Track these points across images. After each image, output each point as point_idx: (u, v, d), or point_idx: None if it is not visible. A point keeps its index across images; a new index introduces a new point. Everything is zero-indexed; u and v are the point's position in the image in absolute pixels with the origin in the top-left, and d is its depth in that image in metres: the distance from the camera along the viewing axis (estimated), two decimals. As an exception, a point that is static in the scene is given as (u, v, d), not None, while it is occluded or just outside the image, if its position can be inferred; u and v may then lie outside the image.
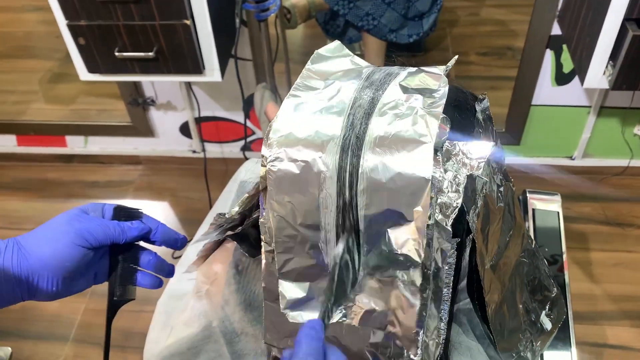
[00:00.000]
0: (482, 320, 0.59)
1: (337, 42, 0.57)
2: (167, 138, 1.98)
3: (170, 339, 0.67)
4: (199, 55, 1.35)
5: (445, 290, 0.47)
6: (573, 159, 1.87)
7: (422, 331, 0.46)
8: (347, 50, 0.57)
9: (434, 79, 0.49)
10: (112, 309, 0.53)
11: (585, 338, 1.52)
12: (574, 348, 0.85)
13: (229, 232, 0.68)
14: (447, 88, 0.47)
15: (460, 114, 0.49)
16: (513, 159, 1.89)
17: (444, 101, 0.45)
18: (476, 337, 0.61)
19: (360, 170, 0.44)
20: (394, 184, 0.43)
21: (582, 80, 1.34)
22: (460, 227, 0.48)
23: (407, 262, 0.45)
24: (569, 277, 1.68)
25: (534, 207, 1.02)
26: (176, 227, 1.89)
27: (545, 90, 1.68)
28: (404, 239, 0.44)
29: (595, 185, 1.87)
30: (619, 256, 1.69)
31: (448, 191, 0.44)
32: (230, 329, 0.65)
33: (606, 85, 1.30)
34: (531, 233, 0.99)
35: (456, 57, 0.54)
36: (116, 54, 1.33)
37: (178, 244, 0.57)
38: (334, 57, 0.55)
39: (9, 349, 1.28)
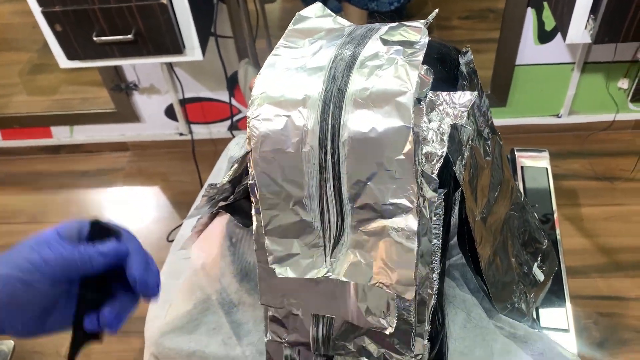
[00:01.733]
0: (475, 273, 0.59)
1: (318, 4, 0.57)
2: (153, 122, 1.97)
3: (169, 314, 0.67)
4: (178, 34, 1.33)
5: (435, 241, 0.47)
6: (560, 117, 1.88)
7: (417, 279, 0.47)
8: (329, 11, 0.57)
9: (415, 31, 0.49)
10: (73, 349, 0.47)
11: (580, 292, 1.55)
12: (568, 302, 0.87)
13: (222, 203, 0.68)
14: (427, 39, 0.47)
15: (444, 66, 0.49)
16: (500, 120, 1.89)
17: (423, 51, 0.45)
18: (470, 290, 0.61)
19: (342, 122, 0.44)
20: (375, 133, 0.43)
21: (564, 36, 1.34)
22: (448, 179, 0.49)
23: (397, 210, 0.45)
24: (561, 234, 1.70)
25: (522, 164, 1.02)
26: (169, 211, 1.89)
27: (529, 50, 1.68)
28: (390, 188, 0.44)
29: (583, 142, 1.89)
30: (609, 210, 1.72)
31: (433, 141, 0.44)
32: (227, 300, 0.65)
33: (589, 40, 1.30)
34: (521, 188, 1.00)
35: (436, 10, 0.54)
36: (94, 38, 1.32)
37: (149, 291, 0.48)
38: (316, 17, 0.55)
39: (12, 342, 1.28)
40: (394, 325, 0.49)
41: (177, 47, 1.35)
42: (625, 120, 1.86)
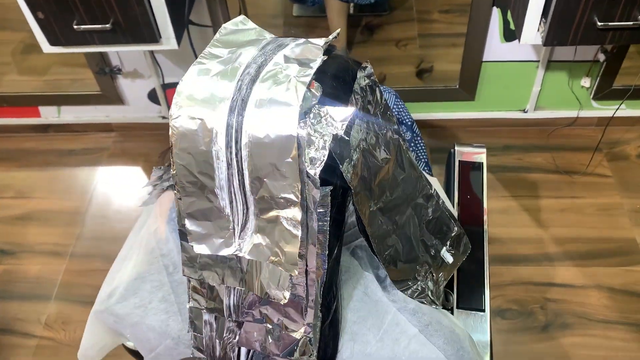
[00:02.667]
0: (374, 253, 0.68)
1: (242, 17, 0.65)
2: (137, 105, 2.05)
3: (122, 271, 0.77)
4: (154, 24, 1.41)
5: (323, 226, 0.56)
6: (525, 112, 1.96)
7: (303, 262, 0.56)
8: (252, 24, 0.65)
9: (315, 49, 0.57)
10: None
11: (532, 278, 1.64)
12: (487, 286, 0.96)
13: (167, 184, 0.78)
14: (321, 59, 0.55)
15: (337, 82, 0.57)
16: (468, 113, 1.97)
17: (313, 70, 0.54)
18: (373, 269, 0.70)
19: (243, 128, 0.53)
20: (268, 139, 0.52)
21: (519, 37, 1.41)
22: (336, 178, 0.57)
23: (287, 203, 0.54)
24: (519, 224, 1.80)
25: (459, 158, 1.11)
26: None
27: (495, 47, 1.75)
28: (281, 185, 0.53)
29: (547, 136, 1.97)
30: (566, 202, 1.80)
31: (317, 147, 0.53)
32: (171, 262, 0.74)
33: (540, 42, 1.37)
34: (456, 184, 1.08)
35: (338, 30, 0.62)
36: (75, 26, 1.39)
37: None
38: (240, 30, 0.63)
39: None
40: (287, 297, 0.58)
41: (153, 36, 1.43)
42: (588, 117, 1.94)
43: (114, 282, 0.75)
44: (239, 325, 0.64)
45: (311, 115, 0.52)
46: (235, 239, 0.59)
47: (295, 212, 0.54)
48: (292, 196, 0.54)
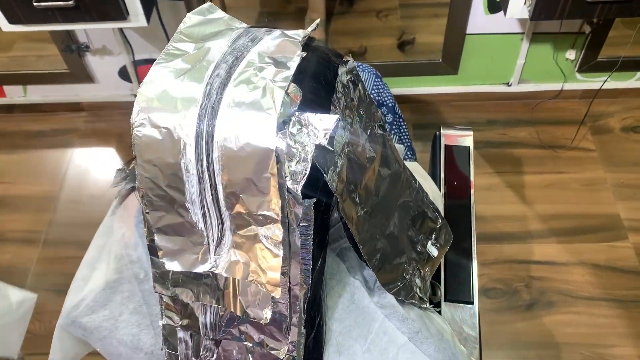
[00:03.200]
0: (362, 259, 0.64)
1: (209, 3, 0.59)
2: (107, 83, 1.96)
3: (90, 282, 0.71)
4: (121, 1, 1.32)
5: (306, 241, 0.51)
6: (509, 85, 1.92)
7: (286, 280, 0.51)
8: (220, 11, 0.58)
9: (292, 45, 0.51)
10: None
11: (516, 256, 1.63)
12: (475, 277, 0.93)
13: (130, 185, 0.72)
14: (299, 58, 0.50)
15: (318, 83, 0.52)
16: (451, 88, 1.93)
17: (292, 72, 0.48)
18: (361, 272, 0.66)
19: (214, 139, 0.47)
20: (244, 153, 0.46)
21: (505, 11, 1.36)
22: (320, 188, 0.52)
23: (266, 220, 0.49)
24: (503, 201, 1.78)
25: (446, 142, 1.07)
26: (124, 172, 1.91)
27: (479, 19, 1.69)
28: (259, 201, 0.48)
29: (531, 110, 1.94)
30: (550, 178, 1.78)
31: (298, 160, 0.47)
32: (142, 269, 0.69)
33: (527, 16, 1.32)
34: (442, 170, 1.04)
35: (318, 21, 0.56)
36: (35, 3, 1.30)
37: None
38: (207, 19, 0.57)
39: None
40: (269, 317, 0.54)
41: (120, 13, 1.34)
42: (572, 89, 1.91)
43: (81, 292, 0.70)
44: (217, 343, 0.59)
45: (290, 124, 0.47)
46: (211, 255, 0.54)
47: (276, 231, 0.49)
48: (272, 214, 0.49)
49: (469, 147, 1.06)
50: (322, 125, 0.47)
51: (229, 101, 0.47)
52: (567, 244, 1.64)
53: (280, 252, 0.50)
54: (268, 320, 0.54)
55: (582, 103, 1.92)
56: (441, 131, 1.09)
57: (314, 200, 0.49)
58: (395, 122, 1.16)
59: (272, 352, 0.56)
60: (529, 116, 1.93)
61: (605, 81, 1.73)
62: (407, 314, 0.64)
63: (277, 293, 0.51)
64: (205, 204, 0.51)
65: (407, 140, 1.15)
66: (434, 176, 1.06)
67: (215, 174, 0.48)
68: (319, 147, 0.48)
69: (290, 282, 0.52)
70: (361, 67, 1.16)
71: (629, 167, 1.79)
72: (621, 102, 1.94)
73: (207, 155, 0.48)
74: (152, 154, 0.49)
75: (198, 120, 0.48)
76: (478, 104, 1.96)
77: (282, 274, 0.51)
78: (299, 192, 0.48)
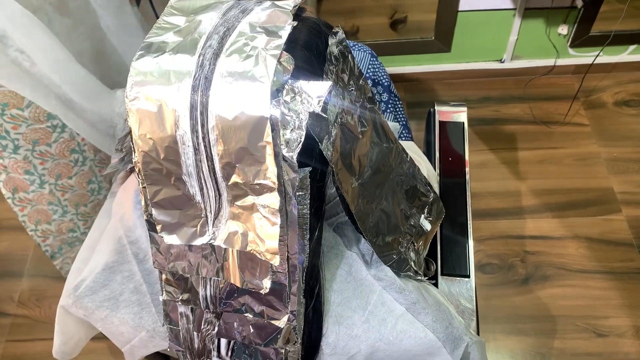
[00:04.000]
0: (359, 231, 0.65)
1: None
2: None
3: (91, 263, 0.72)
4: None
5: (304, 210, 0.52)
6: (502, 62, 1.92)
7: (285, 249, 0.52)
8: None
9: (283, 14, 0.51)
10: None
11: (511, 232, 1.64)
12: (471, 250, 0.94)
13: (130, 165, 0.72)
14: (290, 27, 0.50)
15: (310, 52, 0.52)
16: (444, 65, 1.92)
17: (283, 41, 0.48)
18: (358, 246, 0.67)
19: (209, 109, 0.47)
20: (238, 122, 0.47)
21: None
22: (316, 157, 0.52)
23: (263, 189, 0.49)
24: (497, 177, 1.78)
25: (440, 119, 1.07)
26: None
27: (471, -5, 1.69)
28: (256, 170, 0.49)
29: (524, 86, 1.94)
30: (544, 153, 1.79)
31: (293, 128, 0.48)
32: (140, 249, 0.70)
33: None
34: (437, 146, 1.04)
35: (308, -8, 0.56)
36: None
37: None
38: None
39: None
40: (268, 286, 0.54)
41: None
42: (565, 65, 1.91)
43: (81, 273, 0.70)
44: (218, 316, 0.60)
45: (284, 92, 0.47)
46: (209, 227, 0.54)
47: (273, 199, 0.49)
48: (268, 182, 0.49)
49: (463, 122, 1.07)
50: (315, 93, 0.48)
51: (222, 71, 0.47)
52: (561, 219, 1.65)
53: (278, 220, 0.50)
54: (268, 290, 0.55)
55: (574, 78, 1.92)
56: (435, 108, 1.09)
57: (310, 168, 0.50)
58: (391, 101, 1.16)
59: (273, 321, 0.57)
60: (522, 92, 1.93)
61: (598, 55, 1.73)
62: (404, 286, 0.65)
63: (276, 261, 0.52)
64: (202, 175, 0.51)
65: (402, 119, 1.15)
66: (429, 153, 1.07)
67: (211, 145, 0.49)
68: (312, 115, 0.48)
69: (288, 251, 0.53)
70: (357, 46, 1.16)
71: (622, 141, 1.80)
72: (613, 76, 1.94)
73: (202, 126, 0.48)
74: (147, 128, 0.50)
75: (192, 91, 0.48)
76: (471, 81, 1.96)
77: (281, 241, 0.52)
78: (295, 160, 0.48)
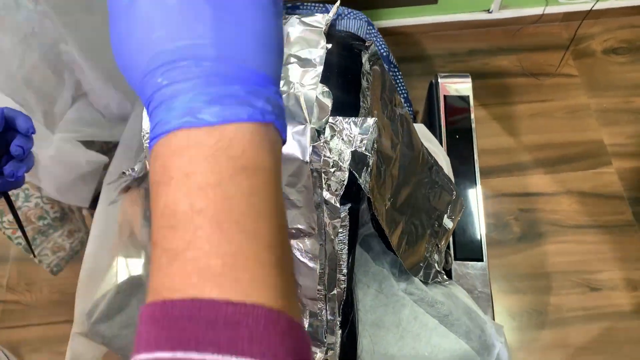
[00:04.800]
0: (389, 248, 0.62)
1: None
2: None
3: (100, 290, 0.68)
4: None
5: (341, 246, 0.48)
6: (490, 12, 1.85)
7: (322, 288, 0.49)
8: None
9: (314, 35, 0.46)
10: None
11: (503, 190, 1.64)
12: (483, 236, 0.92)
13: (135, 185, 0.67)
14: (324, 51, 0.44)
15: (344, 78, 0.47)
16: (430, 17, 1.85)
17: (320, 72, 0.43)
18: (384, 259, 0.64)
19: None
20: None
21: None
22: (354, 190, 0.49)
23: (300, 234, 0.46)
24: (489, 134, 1.76)
25: (445, 93, 1.03)
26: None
27: (459, -56, 1.60)
28: (292, 215, 0.45)
29: (512, 37, 1.89)
30: (534, 107, 1.77)
31: (334, 170, 0.43)
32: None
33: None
34: (442, 117, 1.01)
35: (338, 3, 0.50)
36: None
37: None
38: None
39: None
40: (306, 325, 0.51)
41: None
42: (554, 13, 1.85)
43: (92, 296, 0.66)
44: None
45: (324, 135, 0.43)
46: None
47: (311, 245, 0.46)
48: (306, 228, 0.45)
49: (469, 96, 1.03)
50: (358, 131, 0.43)
51: None
52: (553, 174, 1.65)
53: (317, 266, 0.47)
54: (306, 327, 0.52)
55: (563, 27, 1.88)
56: (438, 80, 1.05)
57: (349, 206, 0.46)
58: (390, 72, 1.11)
59: (309, 354, 0.55)
60: (510, 43, 1.89)
61: (586, 1, 1.68)
62: (435, 298, 0.63)
63: (314, 306, 0.49)
64: None
65: (403, 91, 1.10)
66: (432, 127, 1.03)
67: None
68: (354, 154, 0.44)
69: (327, 290, 0.50)
70: (352, 14, 1.09)
71: (611, 91, 1.78)
72: (602, 23, 1.90)
73: None
74: None
75: None
76: (459, 33, 1.90)
77: (319, 285, 0.49)
78: (338, 204, 0.44)
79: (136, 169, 0.64)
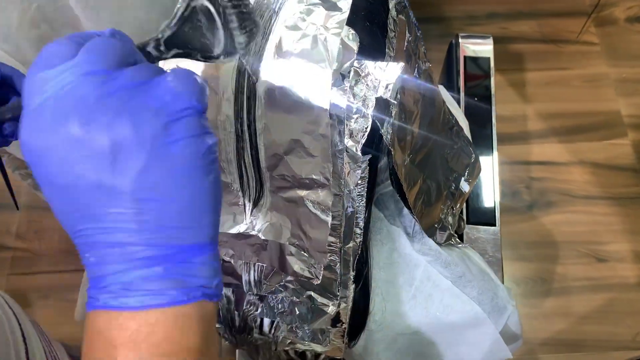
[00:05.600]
0: (407, 206, 0.61)
1: None
2: None
3: None
4: None
5: (358, 200, 0.48)
6: (513, -26, 1.80)
7: (338, 240, 0.48)
8: None
9: (341, -21, 0.44)
10: None
11: (516, 157, 1.62)
12: (497, 200, 0.91)
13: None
14: (352, -1, 0.43)
15: (372, 23, 0.45)
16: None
17: (346, 16, 0.41)
18: (400, 218, 0.63)
19: (257, 95, 0.42)
20: (293, 112, 0.41)
21: None
22: (375, 141, 0.48)
23: (314, 184, 0.45)
24: (504, 100, 1.73)
25: (465, 54, 1.00)
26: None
27: None
28: (307, 164, 0.44)
29: (534, 1, 1.83)
30: (552, 74, 1.73)
31: (357, 117, 0.42)
32: None
33: None
34: (462, 79, 0.99)
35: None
36: None
37: None
38: None
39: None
40: (320, 276, 0.51)
41: None
42: (578, -24, 1.80)
43: None
44: (261, 298, 0.57)
45: (350, 77, 0.41)
46: (246, 216, 0.50)
47: (325, 196, 0.45)
48: (320, 178, 0.44)
49: (490, 58, 1.01)
50: (384, 77, 0.42)
51: (273, 51, 0.41)
52: (567, 144, 1.63)
53: (329, 218, 0.46)
54: (320, 280, 0.52)
55: (586, -9, 1.82)
56: (459, 40, 1.02)
57: (369, 156, 0.45)
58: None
59: (321, 307, 0.55)
60: (531, 7, 1.84)
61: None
62: (449, 259, 0.63)
63: (324, 259, 0.48)
64: (242, 163, 0.46)
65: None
66: (450, 88, 1.01)
67: (257, 134, 0.43)
68: (379, 101, 0.43)
69: (342, 243, 0.49)
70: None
71: (632, 61, 1.74)
72: (627, -12, 1.84)
73: (248, 112, 0.42)
74: None
75: (237, 73, 0.42)
76: (478, -4, 1.85)
77: (334, 237, 0.48)
78: (359, 152, 0.43)
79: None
